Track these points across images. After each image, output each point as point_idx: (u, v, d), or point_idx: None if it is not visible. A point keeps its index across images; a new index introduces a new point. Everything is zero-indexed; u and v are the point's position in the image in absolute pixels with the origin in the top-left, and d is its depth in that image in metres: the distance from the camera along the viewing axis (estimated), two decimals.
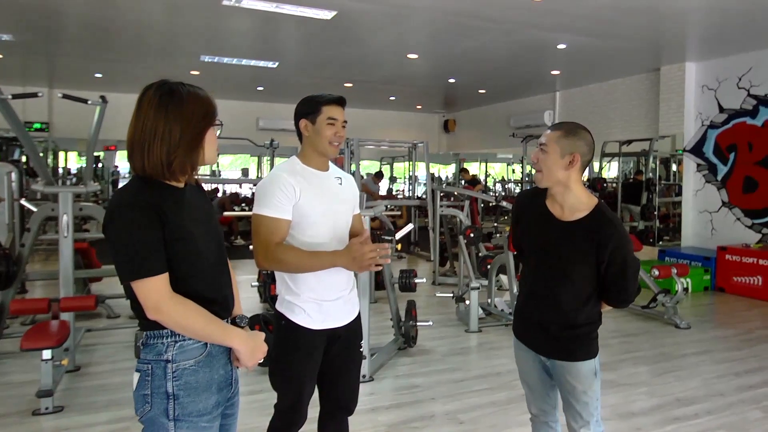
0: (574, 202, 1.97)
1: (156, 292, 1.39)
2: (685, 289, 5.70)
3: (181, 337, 1.45)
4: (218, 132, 1.55)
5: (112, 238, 1.39)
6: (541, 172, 1.97)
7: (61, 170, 12.45)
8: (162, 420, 1.44)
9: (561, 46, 7.31)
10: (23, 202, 5.89)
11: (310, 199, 2.02)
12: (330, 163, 2.19)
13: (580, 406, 2.01)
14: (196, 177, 1.56)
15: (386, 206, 8.50)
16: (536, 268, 2.06)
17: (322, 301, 2.06)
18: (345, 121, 2.09)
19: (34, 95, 4.65)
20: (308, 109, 2.08)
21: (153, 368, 1.45)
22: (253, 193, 14.84)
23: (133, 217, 1.38)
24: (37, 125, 11.06)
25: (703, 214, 8.00)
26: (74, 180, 11.46)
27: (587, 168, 2.06)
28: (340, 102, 2.09)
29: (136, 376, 1.48)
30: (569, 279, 1.96)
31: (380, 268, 1.98)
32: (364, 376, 3.88)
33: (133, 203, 1.40)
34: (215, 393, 1.51)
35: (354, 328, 2.20)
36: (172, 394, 1.44)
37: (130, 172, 1.53)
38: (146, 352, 1.46)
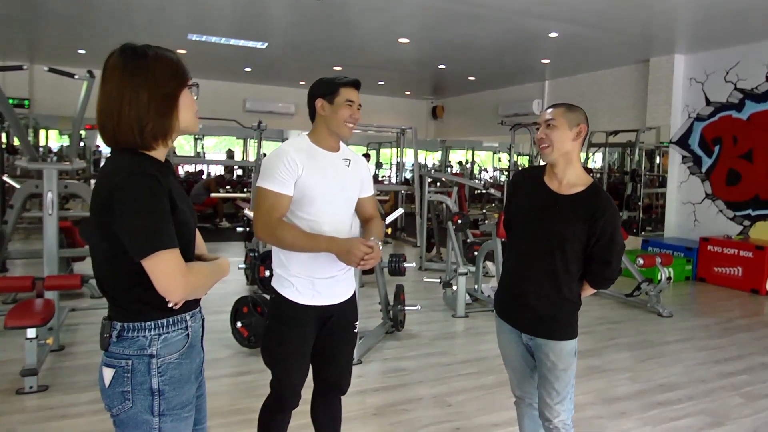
0: (573, 177, 2.06)
1: (179, 263, 1.30)
2: (668, 279, 5.78)
3: (165, 329, 1.39)
4: (195, 97, 1.45)
5: (129, 207, 1.26)
6: (549, 147, 2.02)
7: (42, 148, 12.17)
8: (145, 416, 1.37)
9: (552, 35, 7.30)
10: (5, 178, 5.76)
11: (312, 178, 2.02)
12: (342, 144, 2.19)
13: (558, 384, 2.09)
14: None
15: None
16: (529, 241, 2.11)
17: (313, 278, 2.06)
18: (360, 105, 2.12)
19: (19, 68, 4.54)
20: (326, 89, 2.09)
21: (134, 363, 1.35)
22: (239, 176, 14.75)
23: (150, 185, 1.28)
24: (17, 102, 10.77)
25: (687, 205, 8.11)
26: (55, 158, 11.22)
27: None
28: (357, 85, 2.13)
29: (108, 372, 1.36)
30: (562, 249, 2.02)
31: (367, 267, 2.03)
32: (352, 359, 3.88)
33: (144, 172, 1.29)
34: (194, 382, 1.48)
35: (348, 308, 2.20)
36: (158, 390, 1.37)
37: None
38: (124, 345, 1.36)
